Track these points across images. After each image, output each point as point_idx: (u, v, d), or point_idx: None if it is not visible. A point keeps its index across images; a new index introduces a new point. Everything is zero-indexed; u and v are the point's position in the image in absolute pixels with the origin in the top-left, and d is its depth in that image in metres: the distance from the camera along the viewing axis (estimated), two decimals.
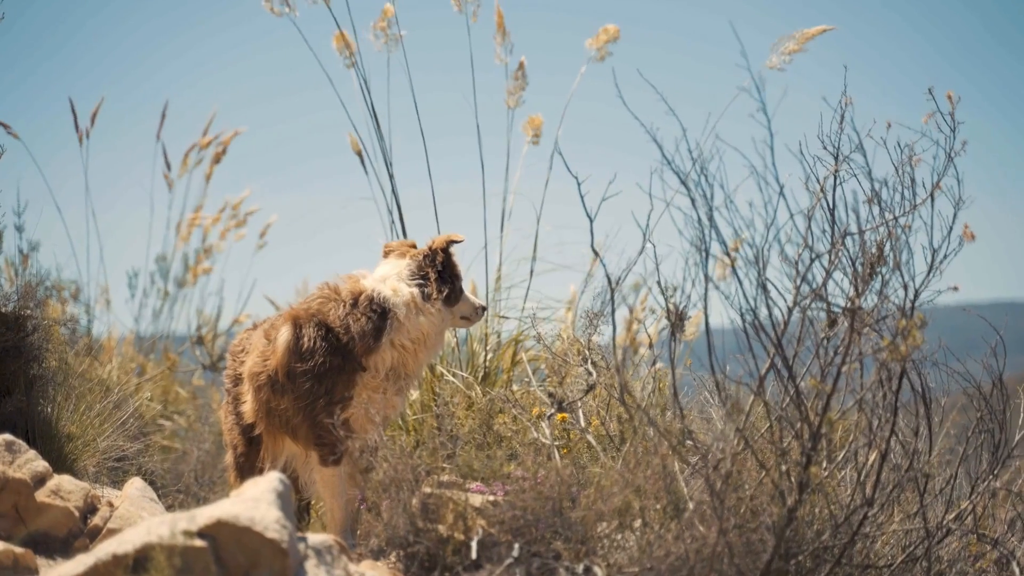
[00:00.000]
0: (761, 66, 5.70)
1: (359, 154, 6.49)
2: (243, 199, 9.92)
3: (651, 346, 4.79)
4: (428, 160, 6.39)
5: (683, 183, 3.74)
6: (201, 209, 9.70)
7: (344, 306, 4.73)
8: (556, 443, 4.63)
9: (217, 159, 9.67)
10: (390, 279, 4.81)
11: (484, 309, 5.01)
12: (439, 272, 4.83)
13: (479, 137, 6.59)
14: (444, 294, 4.80)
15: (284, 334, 4.73)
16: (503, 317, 6.32)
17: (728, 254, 3.71)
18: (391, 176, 6.40)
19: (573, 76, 6.67)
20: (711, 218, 3.74)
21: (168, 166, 9.58)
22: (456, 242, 4.88)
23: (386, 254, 5.00)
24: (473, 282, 6.82)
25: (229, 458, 5.16)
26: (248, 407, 4.88)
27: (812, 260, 3.76)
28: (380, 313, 4.72)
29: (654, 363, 5.15)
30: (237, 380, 5.05)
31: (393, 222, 6.33)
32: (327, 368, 4.65)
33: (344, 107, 6.44)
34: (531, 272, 6.49)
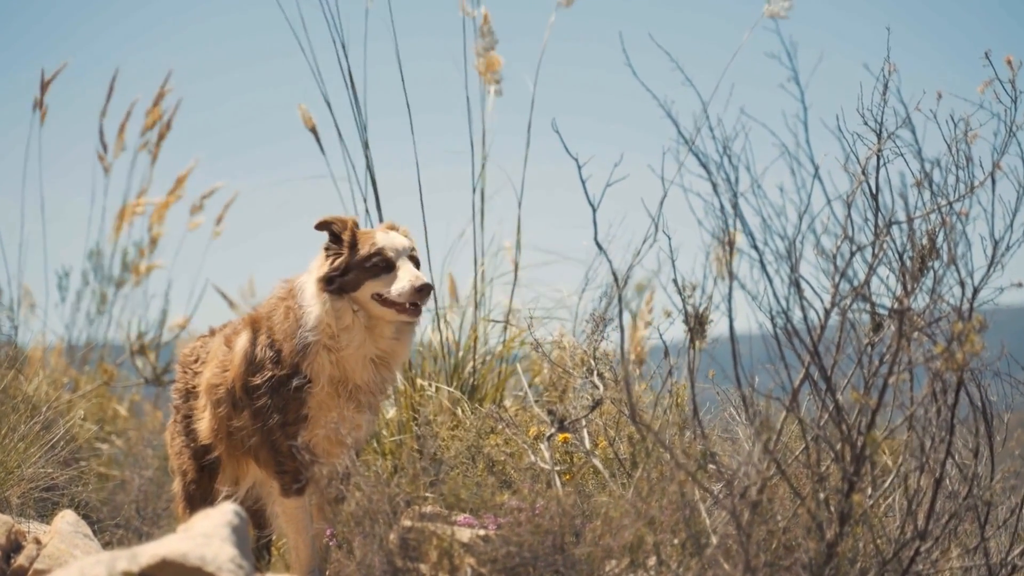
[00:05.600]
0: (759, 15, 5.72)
1: (312, 130, 6.37)
2: (190, 171, 9.51)
3: (666, 355, 4.77)
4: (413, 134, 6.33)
5: (703, 165, 3.72)
6: (144, 195, 9.51)
7: (282, 306, 4.69)
8: (557, 468, 4.61)
9: (162, 135, 9.40)
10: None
11: (422, 289, 4.52)
12: (329, 256, 4.67)
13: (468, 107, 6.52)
14: (322, 275, 4.60)
15: (241, 341, 4.71)
16: (491, 320, 6.30)
17: (756, 247, 3.69)
18: (366, 148, 6.33)
19: (556, 33, 6.61)
20: (736, 206, 3.72)
21: (104, 147, 9.33)
22: (324, 222, 4.68)
23: None
24: (452, 276, 6.79)
25: (177, 486, 5.13)
26: (205, 424, 4.85)
27: (853, 253, 3.75)
28: (301, 308, 4.64)
29: (670, 374, 5.13)
30: (188, 394, 5.02)
31: (368, 211, 6.30)
32: (276, 382, 4.61)
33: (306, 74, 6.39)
34: (516, 266, 6.46)
